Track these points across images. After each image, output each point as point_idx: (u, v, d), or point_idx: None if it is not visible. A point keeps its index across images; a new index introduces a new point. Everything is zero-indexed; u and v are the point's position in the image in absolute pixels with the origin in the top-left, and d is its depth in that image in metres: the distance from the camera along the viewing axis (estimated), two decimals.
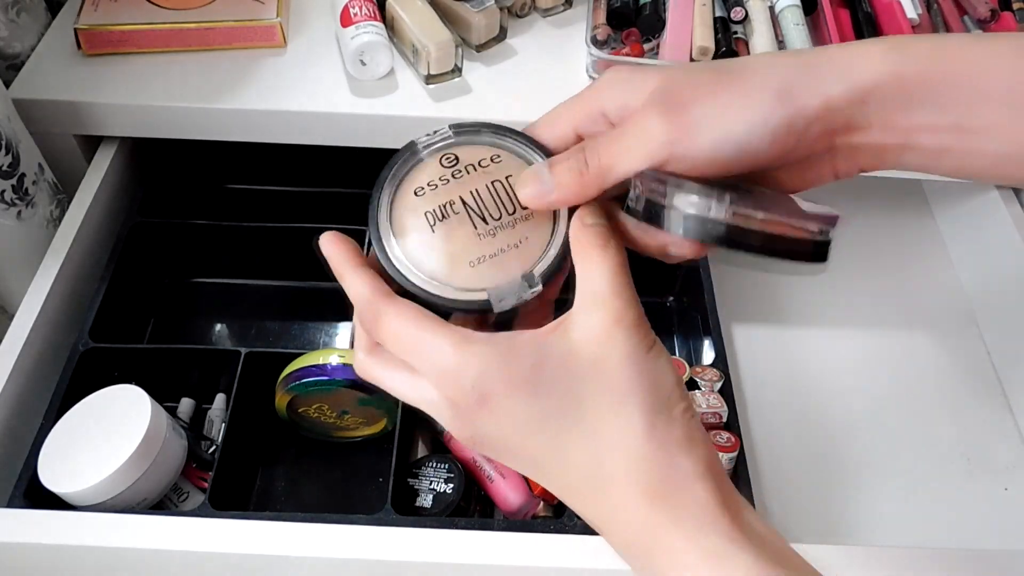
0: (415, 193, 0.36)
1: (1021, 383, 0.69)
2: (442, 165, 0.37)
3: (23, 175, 0.59)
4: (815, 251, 0.32)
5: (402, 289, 0.34)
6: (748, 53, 0.68)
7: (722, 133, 0.32)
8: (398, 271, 0.35)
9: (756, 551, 0.30)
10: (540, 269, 0.34)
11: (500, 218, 0.35)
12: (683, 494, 0.31)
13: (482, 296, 0.34)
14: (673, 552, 0.30)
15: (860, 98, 0.32)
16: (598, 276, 0.32)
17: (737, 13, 0.69)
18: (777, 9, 0.70)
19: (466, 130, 0.38)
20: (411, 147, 0.38)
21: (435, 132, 0.38)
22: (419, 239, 0.35)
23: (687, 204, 0.31)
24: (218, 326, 0.73)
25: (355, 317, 0.36)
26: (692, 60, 0.66)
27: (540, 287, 0.34)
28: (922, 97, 0.31)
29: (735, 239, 0.30)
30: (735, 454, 0.56)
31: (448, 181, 0.36)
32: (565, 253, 0.34)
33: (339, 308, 0.71)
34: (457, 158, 0.37)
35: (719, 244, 0.31)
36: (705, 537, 0.30)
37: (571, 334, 0.32)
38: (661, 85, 0.33)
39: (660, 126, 0.32)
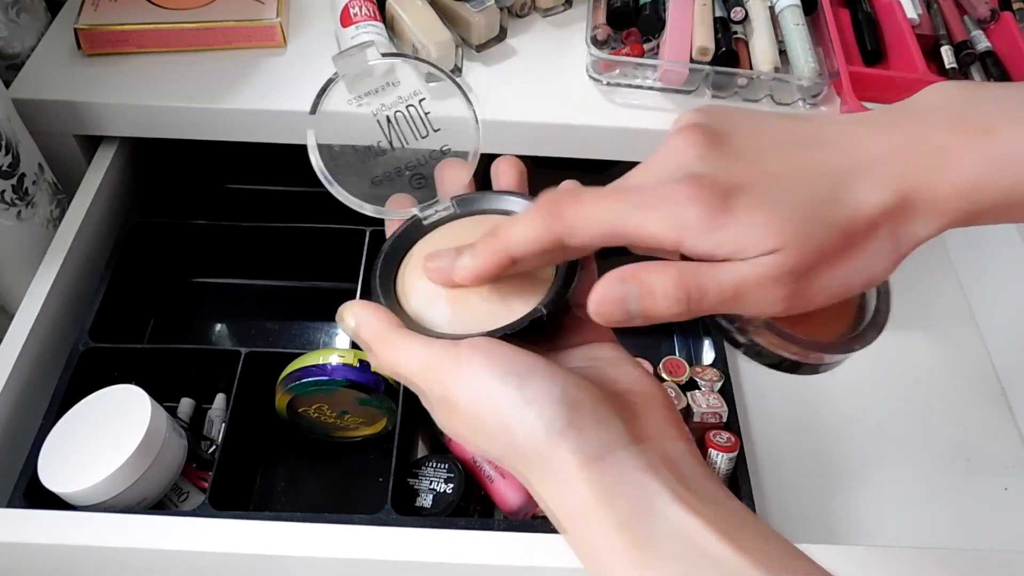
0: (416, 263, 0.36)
1: (1021, 383, 0.69)
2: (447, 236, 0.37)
3: (23, 175, 0.59)
4: (791, 370, 0.35)
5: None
6: (748, 53, 0.68)
7: (835, 295, 0.31)
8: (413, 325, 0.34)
9: (667, 573, 0.29)
10: (544, 302, 0.34)
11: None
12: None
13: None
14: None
15: (974, 217, 0.31)
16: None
17: (737, 13, 0.69)
18: (777, 9, 0.70)
19: (466, 199, 0.38)
20: (414, 221, 0.38)
21: (435, 203, 0.38)
22: (426, 300, 0.35)
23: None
24: (218, 326, 0.73)
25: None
26: (692, 60, 0.66)
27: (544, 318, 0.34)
28: None
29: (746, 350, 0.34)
30: (735, 454, 0.56)
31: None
32: (567, 283, 0.35)
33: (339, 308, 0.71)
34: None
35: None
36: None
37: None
38: (787, 261, 0.29)
39: (779, 307, 0.30)
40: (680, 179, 0.30)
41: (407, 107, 0.38)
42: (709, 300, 0.30)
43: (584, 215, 0.31)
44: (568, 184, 0.34)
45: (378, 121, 0.38)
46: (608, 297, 0.31)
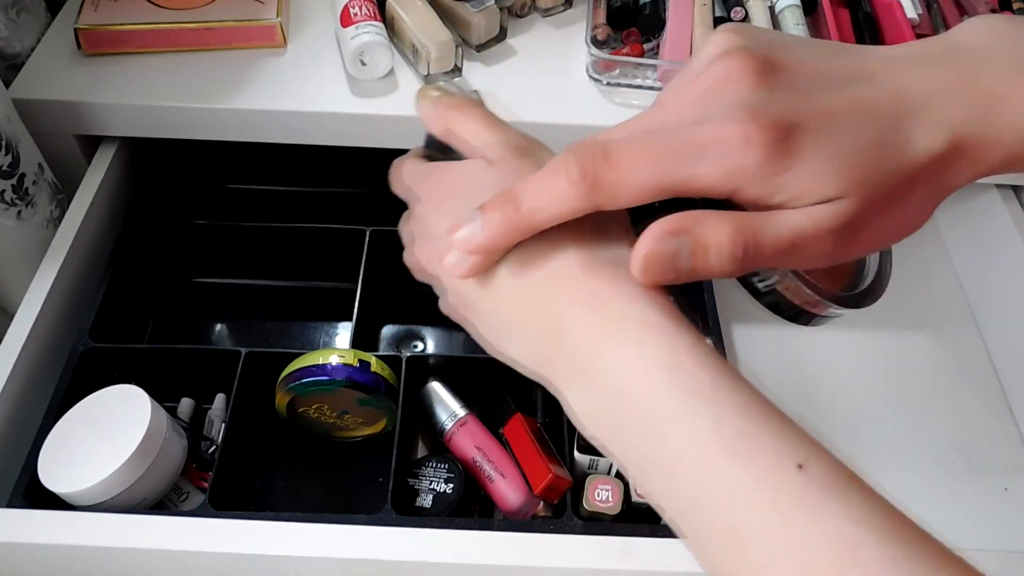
0: None
1: (1021, 383, 0.69)
2: None
3: (23, 175, 0.59)
4: (800, 320, 0.34)
5: None
6: None
7: (873, 247, 0.31)
8: None
9: (696, 336, 0.29)
10: None
11: None
12: (617, 272, 0.30)
13: None
14: (607, 323, 0.29)
15: (1012, 163, 0.30)
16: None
17: (737, 13, 0.69)
18: (777, 9, 0.70)
19: None
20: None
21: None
22: None
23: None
24: (218, 326, 0.73)
25: None
26: None
27: None
28: None
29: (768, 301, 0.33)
30: None
31: None
32: None
33: (339, 308, 0.71)
34: None
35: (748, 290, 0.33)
36: (642, 310, 0.29)
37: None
38: (845, 211, 0.28)
39: (831, 258, 0.29)
40: (733, 116, 0.27)
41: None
42: (764, 256, 0.28)
43: (624, 178, 0.29)
44: (597, 139, 0.30)
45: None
46: (657, 254, 0.29)
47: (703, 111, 0.29)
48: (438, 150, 0.38)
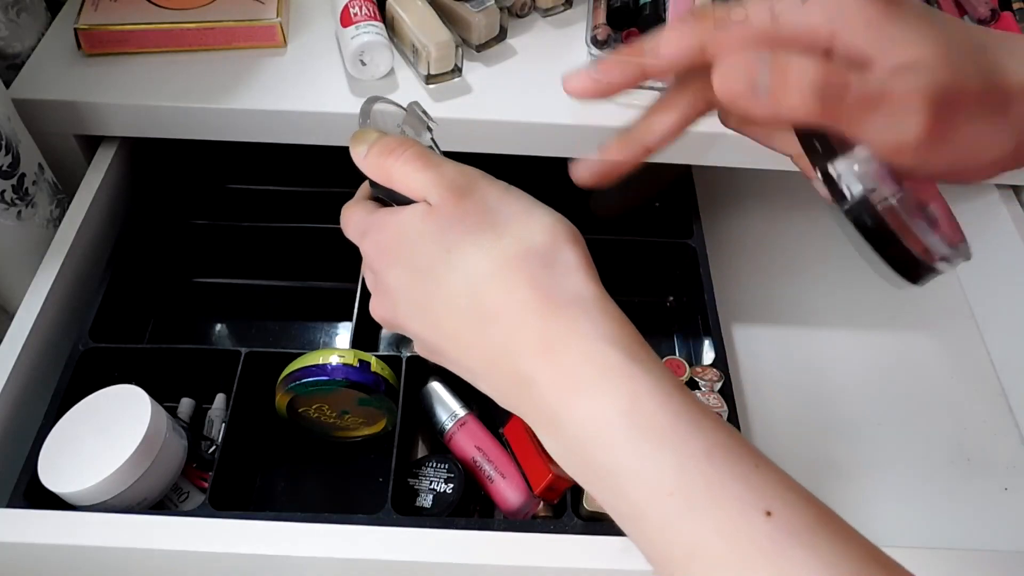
0: None
1: (1021, 383, 0.69)
2: None
3: (23, 175, 0.59)
4: (918, 273, 0.31)
5: None
6: None
7: (967, 160, 0.29)
8: None
9: (660, 372, 0.29)
10: None
11: None
12: (574, 309, 0.30)
13: None
14: (567, 371, 0.30)
15: None
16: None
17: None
18: None
19: None
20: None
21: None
22: None
23: (854, 166, 0.30)
24: (218, 326, 0.73)
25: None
26: None
27: None
28: None
29: (866, 222, 0.30)
30: None
31: None
32: None
33: (339, 308, 0.71)
34: None
35: (850, 215, 0.30)
36: (602, 352, 0.29)
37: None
38: (937, 79, 0.28)
39: (918, 135, 0.28)
40: None
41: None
42: (848, 100, 0.27)
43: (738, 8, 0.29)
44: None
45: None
46: (738, 66, 0.28)
47: None
48: (381, 191, 0.38)
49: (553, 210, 0.34)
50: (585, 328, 0.30)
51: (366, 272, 0.38)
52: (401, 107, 0.41)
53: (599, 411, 0.29)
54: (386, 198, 0.38)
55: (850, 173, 0.29)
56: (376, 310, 0.37)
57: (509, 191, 0.35)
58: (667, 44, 0.32)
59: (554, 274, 0.31)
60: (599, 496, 0.30)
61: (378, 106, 0.40)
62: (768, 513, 0.26)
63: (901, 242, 0.30)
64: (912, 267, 0.30)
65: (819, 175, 0.30)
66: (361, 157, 0.36)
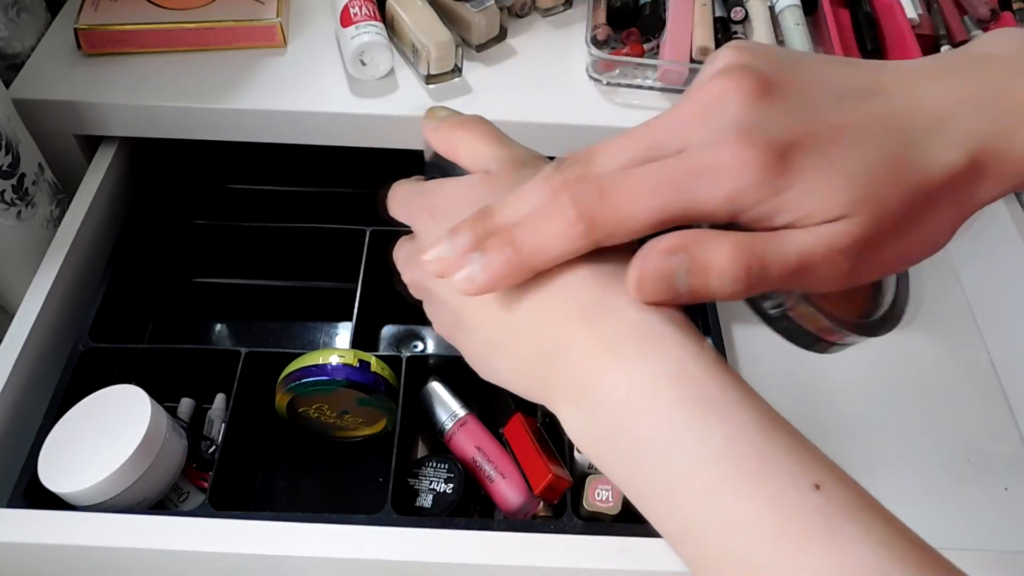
0: None
1: (1021, 383, 0.69)
2: None
3: (23, 175, 0.59)
4: (815, 348, 0.32)
5: None
6: None
7: (902, 262, 0.29)
8: None
9: (705, 345, 0.27)
10: None
11: None
12: (620, 281, 0.29)
13: None
14: (608, 336, 0.28)
15: None
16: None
17: (737, 13, 0.69)
18: (777, 9, 0.70)
19: None
20: None
21: None
22: None
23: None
24: (218, 326, 0.73)
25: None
26: (692, 60, 0.66)
27: None
28: None
29: (779, 324, 0.31)
30: None
31: None
32: None
33: (339, 308, 0.71)
34: None
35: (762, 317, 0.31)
36: (650, 321, 0.28)
37: None
38: (854, 229, 0.27)
39: (842, 281, 0.28)
40: (729, 138, 0.26)
41: None
42: (770, 277, 0.27)
43: (623, 215, 0.27)
44: (587, 172, 0.29)
45: None
46: (652, 272, 0.27)
47: (697, 132, 0.28)
48: (439, 174, 0.37)
49: None
50: (627, 298, 0.28)
51: (403, 245, 0.36)
52: None
53: (642, 376, 0.27)
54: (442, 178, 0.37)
55: (774, 307, 0.31)
56: (410, 274, 0.36)
57: None
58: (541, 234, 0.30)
59: (605, 251, 0.29)
60: (622, 472, 0.28)
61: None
62: (817, 487, 0.25)
63: (805, 330, 0.31)
64: (817, 348, 0.32)
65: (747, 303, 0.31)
66: (433, 127, 0.36)
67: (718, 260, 0.27)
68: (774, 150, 0.26)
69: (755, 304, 0.31)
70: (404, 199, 0.36)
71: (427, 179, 0.38)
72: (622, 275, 0.29)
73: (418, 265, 0.34)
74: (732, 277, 0.27)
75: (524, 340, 0.31)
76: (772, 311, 0.31)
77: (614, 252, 0.30)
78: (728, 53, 0.29)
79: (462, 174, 0.35)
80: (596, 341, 0.28)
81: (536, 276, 0.30)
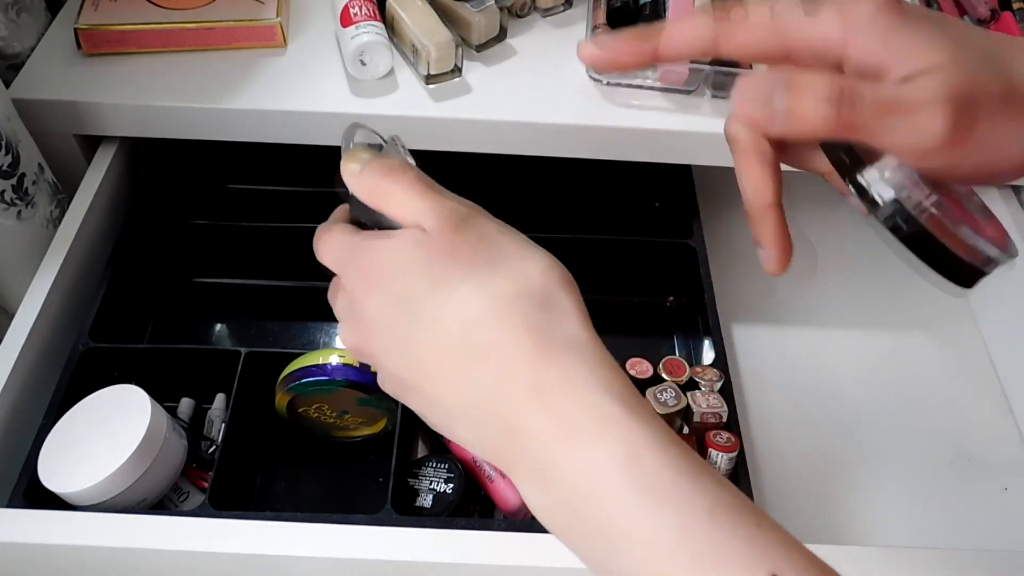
0: None
1: (1021, 383, 0.69)
2: None
3: (23, 175, 0.59)
4: (967, 276, 0.30)
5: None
6: None
7: (994, 161, 0.29)
8: None
9: (658, 425, 0.28)
10: None
11: None
12: (570, 355, 0.29)
13: None
14: (562, 419, 0.28)
15: None
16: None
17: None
18: None
19: None
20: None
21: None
22: None
23: (885, 177, 0.29)
24: (218, 326, 0.73)
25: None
26: (692, 60, 0.66)
27: None
28: None
29: (903, 227, 0.29)
30: (735, 454, 0.56)
31: None
32: None
33: None
34: None
35: (886, 222, 0.29)
36: (598, 402, 0.28)
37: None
38: (954, 82, 0.28)
39: (941, 137, 0.28)
40: None
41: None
42: (864, 107, 0.27)
43: (751, 17, 0.29)
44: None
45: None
46: (753, 87, 0.28)
47: None
48: (365, 214, 0.36)
49: (549, 253, 0.32)
50: (582, 376, 0.29)
51: (338, 298, 0.36)
52: (382, 138, 0.39)
53: (596, 463, 0.27)
54: (369, 223, 0.35)
55: (880, 181, 0.29)
56: (348, 339, 0.35)
57: (506, 229, 0.33)
58: (681, 31, 0.32)
59: (549, 318, 0.30)
60: (587, 553, 0.29)
61: (359, 136, 0.39)
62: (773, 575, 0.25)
63: (945, 246, 0.29)
64: (959, 270, 0.30)
65: (850, 188, 0.30)
66: (355, 175, 0.35)
67: (815, 80, 0.28)
68: (895, 7, 0.28)
69: (888, 209, 0.29)
70: (335, 253, 0.36)
71: (353, 219, 0.37)
72: (576, 343, 0.29)
73: (359, 330, 0.34)
74: (826, 97, 0.27)
75: (479, 413, 0.30)
76: (910, 211, 0.29)
77: (565, 315, 0.30)
78: None
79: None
80: (549, 423, 0.28)
81: (488, 345, 0.30)
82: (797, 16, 0.29)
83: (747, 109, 0.29)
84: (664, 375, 0.62)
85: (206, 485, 0.54)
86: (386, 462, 0.55)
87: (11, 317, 0.58)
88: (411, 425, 0.62)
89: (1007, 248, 0.30)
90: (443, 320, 0.31)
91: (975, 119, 0.28)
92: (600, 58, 0.34)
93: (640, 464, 0.27)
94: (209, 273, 0.74)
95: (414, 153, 0.39)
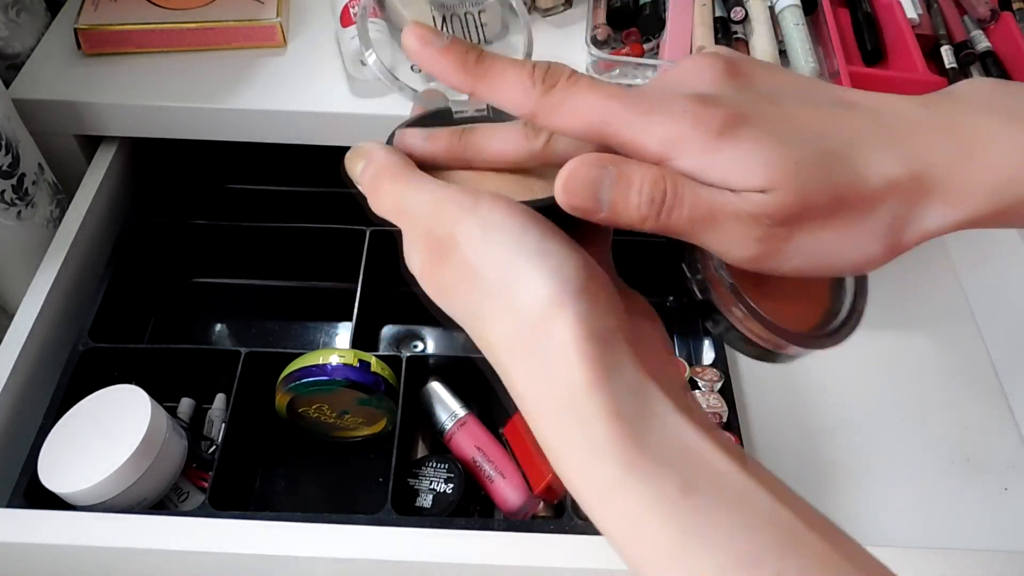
0: None
1: (1021, 383, 0.69)
2: None
3: (23, 175, 0.59)
4: (766, 359, 0.33)
5: None
6: (748, 53, 0.68)
7: (817, 267, 0.29)
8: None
9: (661, 478, 0.26)
10: None
11: None
12: (563, 416, 0.27)
13: None
14: (573, 487, 0.27)
15: (999, 215, 0.28)
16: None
17: (737, 13, 0.69)
18: (777, 9, 0.70)
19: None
20: (443, 112, 0.36)
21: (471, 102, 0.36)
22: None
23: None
24: (218, 326, 0.73)
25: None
26: None
27: None
28: None
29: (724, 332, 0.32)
30: None
31: None
32: None
33: (339, 308, 0.71)
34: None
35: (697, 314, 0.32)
36: (596, 471, 0.26)
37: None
38: (773, 203, 0.27)
39: (749, 253, 0.28)
40: (687, 96, 0.27)
41: (465, 13, 0.37)
42: (682, 214, 0.27)
43: (574, 97, 0.28)
44: (566, 67, 0.29)
45: (433, 17, 0.36)
46: (581, 175, 0.27)
47: (665, 89, 0.29)
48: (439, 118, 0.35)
49: (550, 260, 0.27)
50: (577, 442, 0.27)
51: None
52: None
53: (605, 527, 0.27)
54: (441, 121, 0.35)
55: (691, 263, 0.31)
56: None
57: (490, 244, 0.28)
58: (500, 143, 0.32)
59: (538, 366, 0.27)
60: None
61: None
62: None
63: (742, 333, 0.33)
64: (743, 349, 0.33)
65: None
66: (357, 173, 0.35)
67: (641, 177, 0.27)
68: (722, 116, 0.27)
69: (705, 315, 0.32)
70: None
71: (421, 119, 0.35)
72: (572, 410, 0.27)
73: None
74: (649, 197, 0.27)
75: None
76: (720, 325, 0.32)
77: (545, 354, 0.27)
78: (711, 48, 0.31)
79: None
80: (565, 480, 0.28)
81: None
82: (620, 122, 0.28)
83: (573, 190, 0.27)
84: None
85: (206, 485, 0.54)
86: (386, 462, 0.55)
87: (11, 317, 0.58)
88: (411, 425, 0.62)
89: (785, 348, 0.32)
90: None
91: (794, 237, 0.28)
92: (413, 146, 0.34)
93: (640, 536, 0.26)
94: (209, 273, 0.74)
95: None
